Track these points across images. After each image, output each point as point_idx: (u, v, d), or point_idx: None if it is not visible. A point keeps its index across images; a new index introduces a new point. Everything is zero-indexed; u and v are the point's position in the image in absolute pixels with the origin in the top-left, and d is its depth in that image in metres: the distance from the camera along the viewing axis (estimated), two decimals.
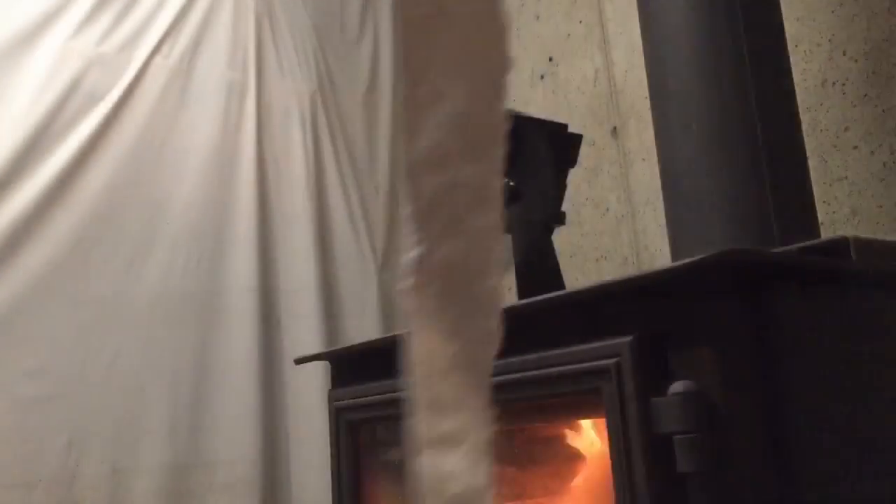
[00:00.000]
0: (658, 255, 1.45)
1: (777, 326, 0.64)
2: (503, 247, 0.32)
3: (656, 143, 0.98)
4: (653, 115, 1.01)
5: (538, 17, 1.77)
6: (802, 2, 1.25)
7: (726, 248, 0.60)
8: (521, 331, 0.79)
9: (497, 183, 0.32)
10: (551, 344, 0.73)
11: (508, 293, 1.78)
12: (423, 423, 0.32)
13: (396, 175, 1.98)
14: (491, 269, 0.32)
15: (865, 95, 1.16)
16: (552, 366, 0.72)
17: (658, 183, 1.03)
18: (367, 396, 1.00)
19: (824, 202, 1.18)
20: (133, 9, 1.68)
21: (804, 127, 1.00)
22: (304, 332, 1.72)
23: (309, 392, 1.66)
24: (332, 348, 1.44)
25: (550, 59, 1.73)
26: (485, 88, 0.31)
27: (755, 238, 0.85)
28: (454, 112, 0.31)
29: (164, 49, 1.70)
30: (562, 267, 1.05)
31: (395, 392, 0.95)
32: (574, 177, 1.53)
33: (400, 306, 0.32)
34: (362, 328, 1.80)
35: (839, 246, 0.70)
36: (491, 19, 0.31)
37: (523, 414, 0.92)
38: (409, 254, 0.32)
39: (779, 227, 0.85)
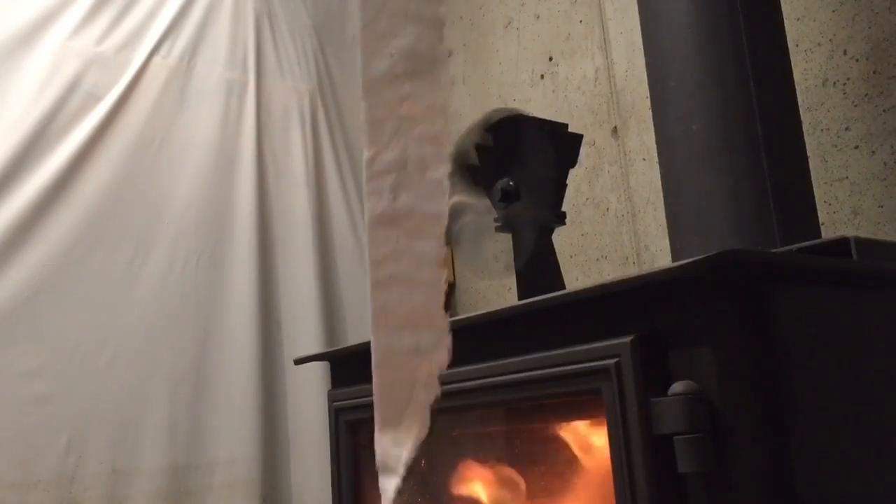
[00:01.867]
0: (658, 255, 1.45)
1: (777, 326, 0.63)
2: (448, 147, 0.39)
3: (656, 143, 0.98)
4: (653, 115, 1.00)
5: (538, 17, 1.77)
6: (803, 1, 1.24)
7: (726, 248, 0.60)
8: (522, 331, 0.79)
9: (440, 99, 0.39)
10: (551, 344, 0.73)
11: (508, 293, 1.78)
12: (375, 269, 0.39)
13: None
14: (438, 163, 0.39)
15: (866, 95, 1.16)
16: (552, 366, 0.72)
17: (658, 183, 1.02)
18: (366, 396, 1.00)
19: (825, 202, 1.18)
20: (132, 8, 1.68)
21: (805, 127, 0.99)
22: (304, 332, 1.72)
23: (309, 392, 1.66)
24: (332, 348, 1.44)
25: (550, 59, 1.73)
26: (428, 31, 0.39)
27: (755, 238, 0.85)
28: (404, 45, 0.39)
29: (164, 49, 1.70)
30: (562, 267, 1.05)
31: None
32: (574, 177, 1.53)
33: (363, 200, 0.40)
34: (362, 328, 1.80)
35: (840, 246, 0.70)
36: None
37: (523, 414, 0.92)
38: (365, 154, 0.39)
39: (779, 228, 0.85)
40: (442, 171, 0.38)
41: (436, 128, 0.39)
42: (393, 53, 0.38)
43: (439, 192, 0.38)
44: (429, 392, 0.38)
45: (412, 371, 0.38)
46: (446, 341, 0.38)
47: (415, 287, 0.38)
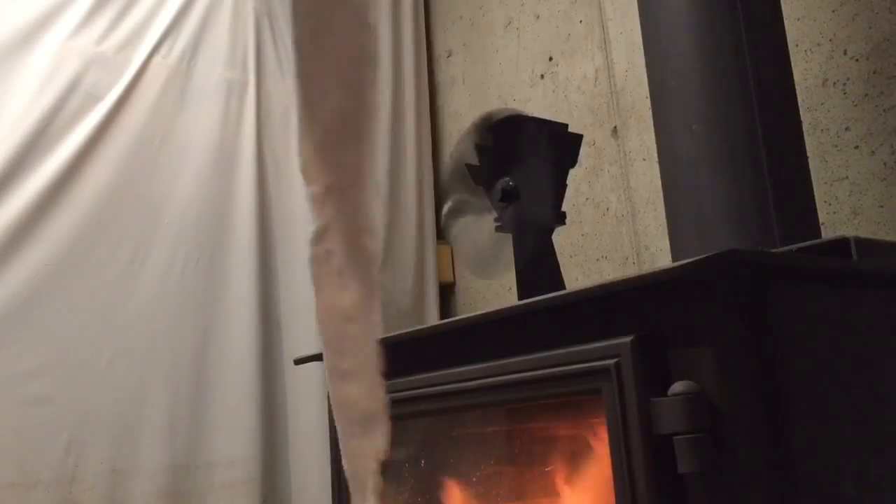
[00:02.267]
0: (658, 255, 1.45)
1: (777, 326, 0.63)
2: (377, 215, 0.41)
3: (656, 143, 0.98)
4: (653, 115, 1.00)
5: (538, 17, 1.77)
6: (803, 1, 1.24)
7: (726, 248, 0.60)
8: (522, 331, 0.79)
9: (370, 163, 0.40)
10: (552, 344, 0.73)
11: (509, 293, 1.77)
12: (329, 362, 0.41)
13: (395, 175, 1.98)
14: (369, 231, 0.40)
15: (866, 95, 1.16)
16: (552, 366, 0.72)
17: (658, 183, 1.03)
18: None
19: (825, 202, 1.18)
20: (132, 8, 1.68)
21: (805, 127, 0.99)
22: (303, 332, 1.72)
23: (309, 392, 1.66)
24: None
25: (550, 59, 1.73)
26: (358, 86, 0.40)
27: (755, 238, 0.85)
28: (336, 106, 0.39)
29: (164, 49, 1.70)
30: (562, 267, 1.05)
31: (394, 392, 0.94)
32: (574, 177, 1.53)
33: (309, 269, 0.43)
34: None
35: (840, 246, 0.70)
36: (362, 31, 0.40)
37: (523, 414, 0.92)
38: (310, 227, 0.40)
39: (779, 228, 0.85)
40: (372, 239, 0.40)
41: (364, 195, 0.40)
42: (325, 118, 0.39)
43: (370, 259, 0.41)
44: (374, 480, 0.42)
45: (363, 459, 0.43)
46: (385, 429, 0.43)
47: (361, 378, 0.41)
